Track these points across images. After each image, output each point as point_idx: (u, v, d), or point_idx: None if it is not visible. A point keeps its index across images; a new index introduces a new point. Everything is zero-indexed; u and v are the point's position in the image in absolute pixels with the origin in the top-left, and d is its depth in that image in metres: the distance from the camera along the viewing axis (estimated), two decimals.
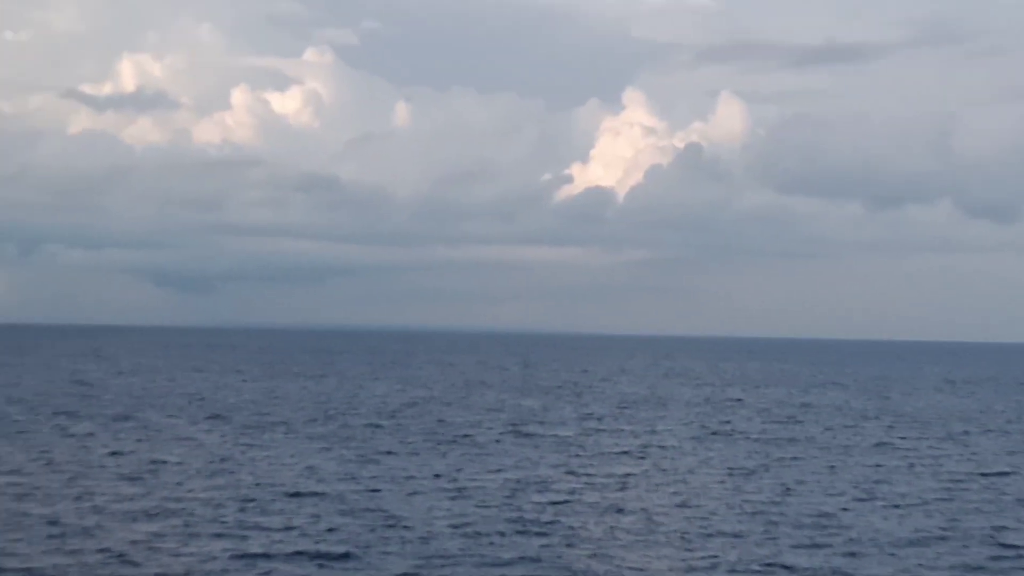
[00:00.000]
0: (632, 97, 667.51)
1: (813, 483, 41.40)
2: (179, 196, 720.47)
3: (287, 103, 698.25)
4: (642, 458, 48.23)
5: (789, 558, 28.42)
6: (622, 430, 60.58)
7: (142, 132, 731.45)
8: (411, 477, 40.78)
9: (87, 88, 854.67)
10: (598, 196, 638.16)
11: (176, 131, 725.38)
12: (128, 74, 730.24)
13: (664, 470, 44.42)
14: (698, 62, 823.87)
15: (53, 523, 30.73)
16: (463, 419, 65.18)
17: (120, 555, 26.95)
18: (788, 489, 39.63)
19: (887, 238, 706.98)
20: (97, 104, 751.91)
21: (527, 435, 56.73)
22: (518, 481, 40.34)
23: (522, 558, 27.71)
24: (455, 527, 31.43)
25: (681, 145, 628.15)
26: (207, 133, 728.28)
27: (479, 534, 30.45)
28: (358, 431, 56.74)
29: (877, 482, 42.11)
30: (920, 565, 28.22)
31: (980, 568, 28.23)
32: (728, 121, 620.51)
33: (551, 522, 32.54)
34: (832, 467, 46.23)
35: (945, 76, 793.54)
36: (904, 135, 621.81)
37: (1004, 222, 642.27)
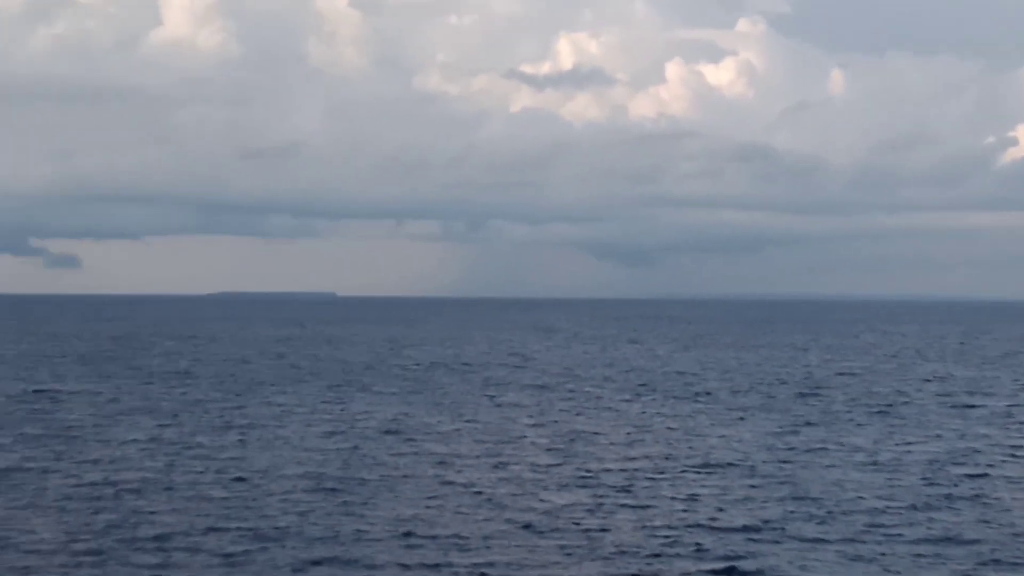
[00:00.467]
0: None
1: None
2: (617, 170, 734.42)
3: (721, 74, 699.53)
4: None
5: None
6: None
7: (580, 108, 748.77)
8: (827, 448, 39.96)
9: (527, 68, 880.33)
10: None
11: (613, 106, 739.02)
12: (566, 52, 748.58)
13: None
14: None
15: (467, 490, 31.78)
16: (891, 389, 63.39)
17: (526, 526, 27.51)
18: None
19: None
20: (537, 83, 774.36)
21: (957, 407, 54.60)
22: (939, 454, 38.86)
23: (926, 539, 26.57)
24: (862, 499, 30.57)
25: None
26: (643, 107, 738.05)
27: (886, 510, 29.47)
28: (781, 402, 56.09)
29: None
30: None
31: None
32: None
33: (967, 497, 31.18)
34: None
35: None
36: None
37: None
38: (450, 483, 32.84)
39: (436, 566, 23.86)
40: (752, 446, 40.50)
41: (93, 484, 32.06)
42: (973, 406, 54.68)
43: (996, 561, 24.56)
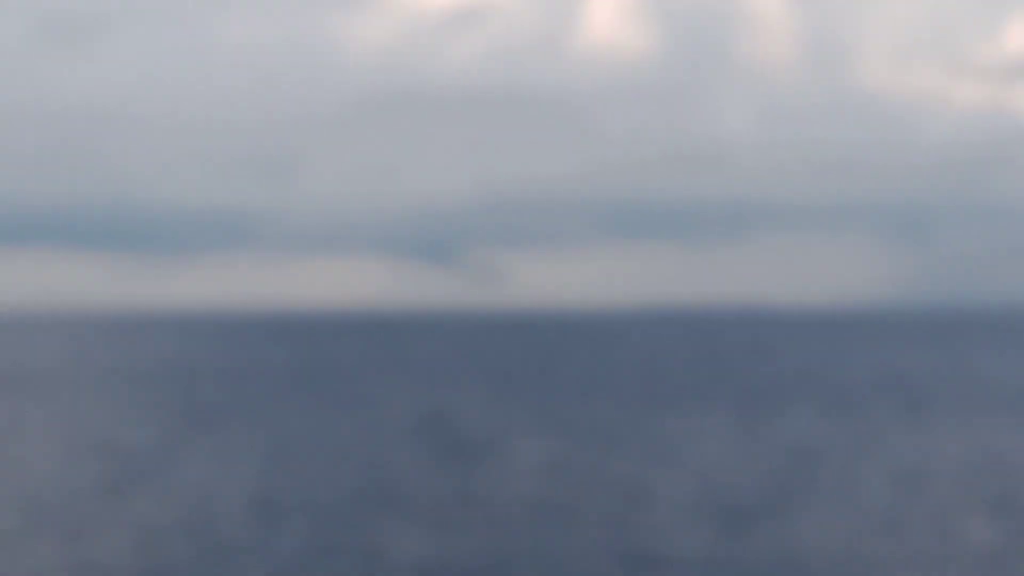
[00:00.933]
0: None
1: None
2: None
3: None
4: None
5: None
6: None
7: None
8: None
9: (973, 58, 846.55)
10: None
11: None
12: (1017, 40, 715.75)
13: None
14: None
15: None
16: None
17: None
18: None
19: None
20: (984, 74, 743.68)
21: None
22: None
23: None
24: None
25: None
26: None
27: None
28: None
29: None
30: None
31: None
32: None
33: None
34: None
35: None
36: None
37: None
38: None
39: None
40: None
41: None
42: None
43: None
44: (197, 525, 28.06)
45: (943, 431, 47.75)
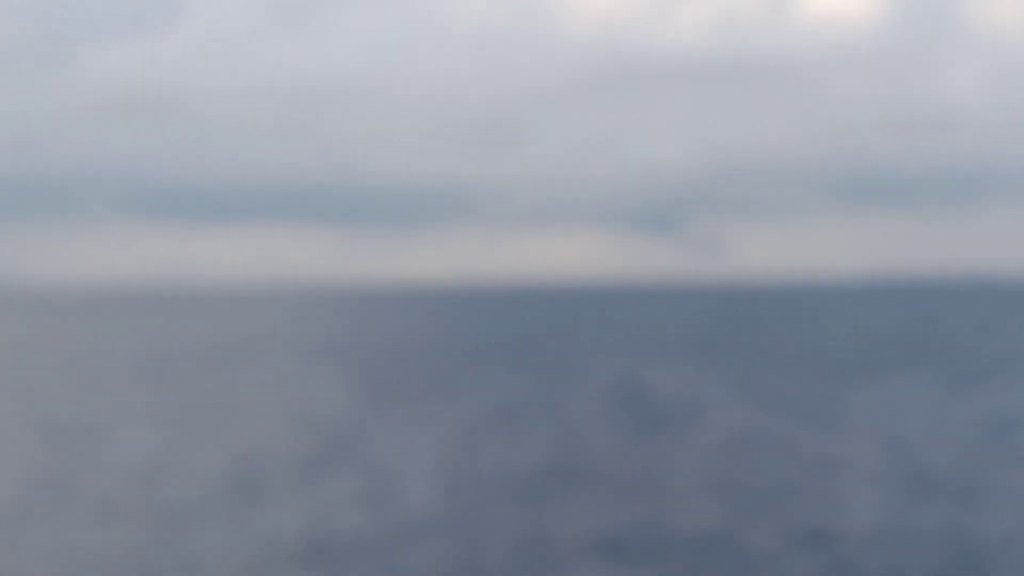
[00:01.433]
0: None
1: None
2: None
3: None
4: None
5: None
6: None
7: None
8: None
9: None
10: None
11: None
12: None
13: None
14: None
15: None
16: None
17: None
18: None
19: None
20: None
21: None
22: None
23: None
24: None
25: None
26: None
27: None
28: None
29: None
30: None
31: None
32: None
33: None
34: None
35: None
36: None
37: None
38: None
39: None
40: None
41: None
42: None
43: None
44: (379, 498, 28.41)
45: None
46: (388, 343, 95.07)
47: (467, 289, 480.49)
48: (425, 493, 28.79)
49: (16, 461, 34.51)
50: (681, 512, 26.49)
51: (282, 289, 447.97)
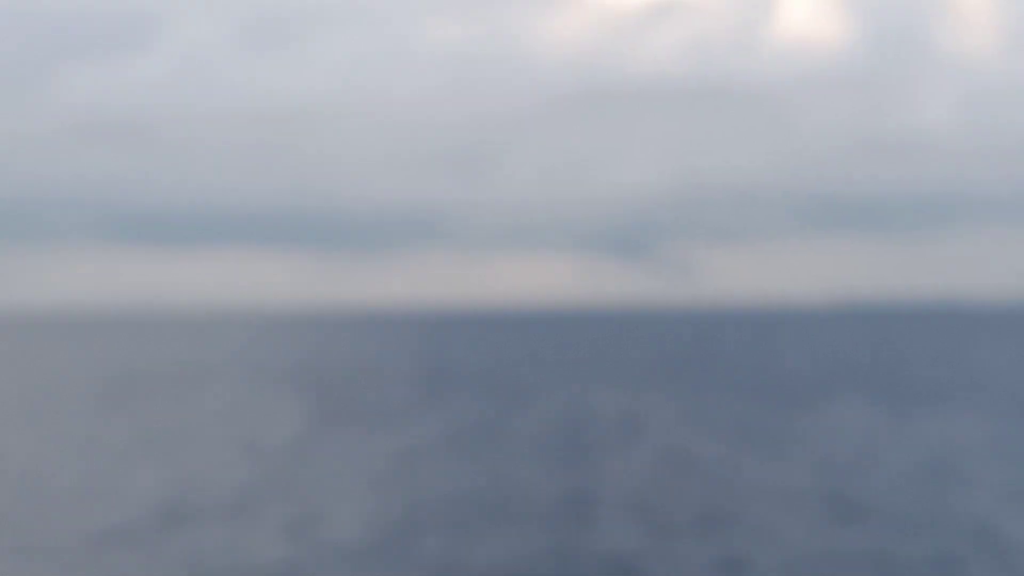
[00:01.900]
0: None
1: None
2: None
3: None
4: None
5: None
6: None
7: None
8: None
9: None
10: None
11: None
12: None
13: None
14: None
15: None
16: None
17: None
18: None
19: None
20: None
21: None
22: None
23: None
24: None
25: None
26: None
27: None
28: None
29: None
30: None
31: None
32: None
33: None
34: None
35: None
36: None
37: None
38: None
39: None
40: None
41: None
42: None
43: None
44: (306, 526, 28.65)
45: None
46: (350, 367, 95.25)
47: (437, 313, 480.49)
48: (353, 521, 29.03)
49: None
50: (598, 538, 26.81)
51: (253, 314, 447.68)
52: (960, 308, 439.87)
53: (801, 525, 27.81)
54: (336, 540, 26.76)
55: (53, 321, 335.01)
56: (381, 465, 38.42)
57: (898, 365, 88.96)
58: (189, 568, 24.19)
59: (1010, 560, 24.27)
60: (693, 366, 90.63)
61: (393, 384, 75.18)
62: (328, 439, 45.96)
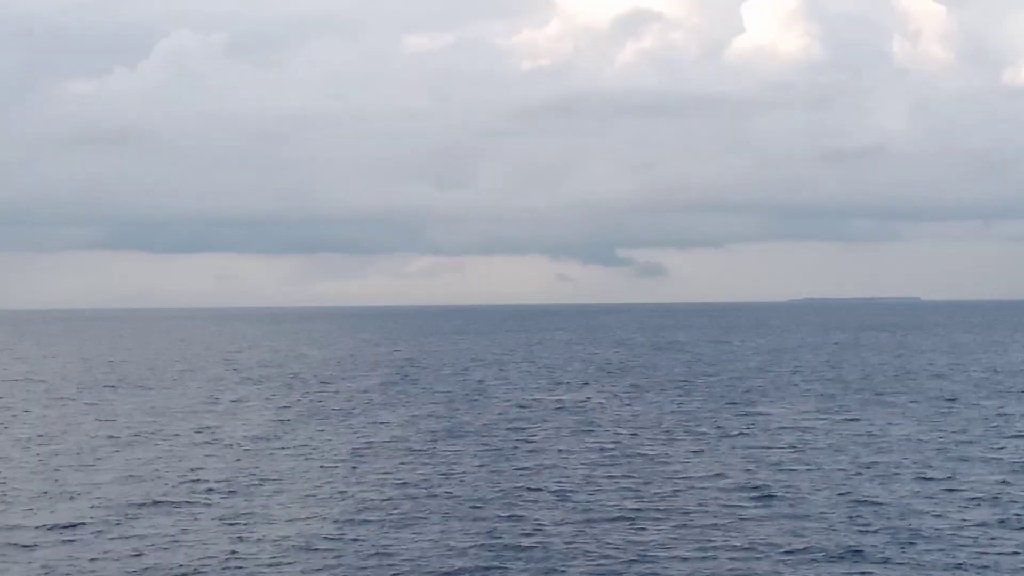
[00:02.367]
0: None
1: None
2: None
3: None
4: None
5: None
6: None
7: None
8: None
9: None
10: None
11: None
12: None
13: None
14: None
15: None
16: None
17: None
18: None
19: None
20: None
21: None
22: None
23: None
24: None
25: None
26: None
27: None
28: None
29: None
30: None
31: None
32: None
33: None
34: None
35: None
36: None
37: None
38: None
39: None
40: None
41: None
42: None
43: None
44: (251, 520, 30.16)
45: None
46: (325, 364, 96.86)
47: (415, 312, 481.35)
48: (297, 515, 30.53)
49: None
50: (524, 527, 28.56)
51: (239, 315, 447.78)
52: (913, 306, 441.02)
53: (718, 517, 29.47)
54: (272, 535, 28.25)
55: (43, 323, 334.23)
56: (335, 460, 39.93)
57: (845, 363, 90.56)
58: (129, 561, 25.73)
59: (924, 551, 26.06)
60: (648, 364, 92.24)
61: (363, 380, 76.70)
62: (290, 434, 47.34)
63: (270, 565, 25.35)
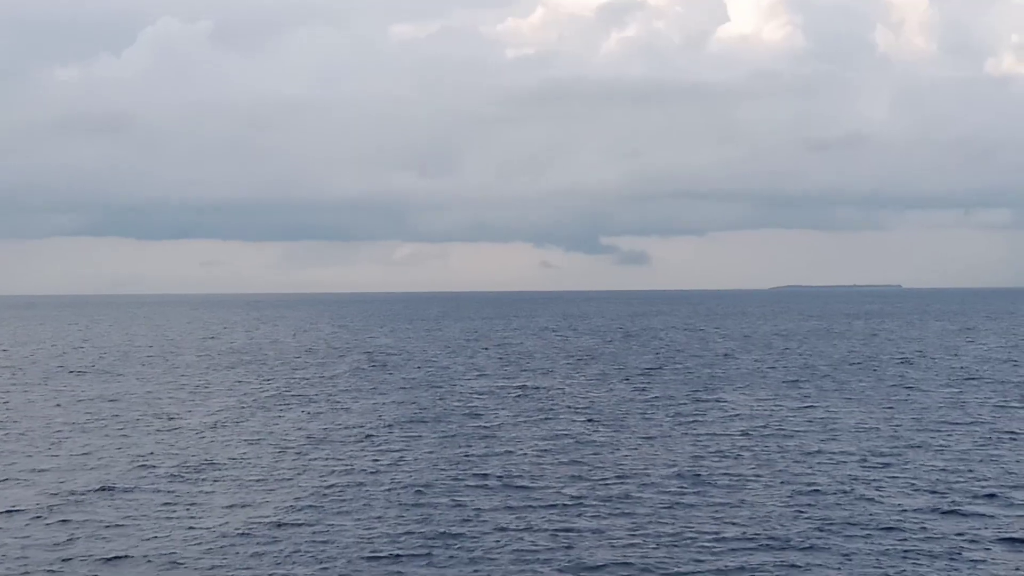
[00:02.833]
0: None
1: None
2: None
3: None
4: None
5: None
6: None
7: None
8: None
9: None
10: None
11: None
12: None
13: None
14: None
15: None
16: None
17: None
18: None
19: None
20: None
21: None
22: None
23: None
24: None
25: None
26: None
27: None
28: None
29: None
30: None
31: None
32: None
33: None
34: None
35: None
36: None
37: None
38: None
39: None
40: None
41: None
42: None
43: None
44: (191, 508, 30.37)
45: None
46: (302, 350, 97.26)
47: (398, 299, 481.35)
48: (240, 502, 30.74)
49: None
50: (468, 514, 28.83)
51: (222, 301, 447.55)
52: (895, 293, 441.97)
53: (655, 504, 29.73)
54: (210, 521, 28.48)
55: (27, 308, 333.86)
56: (288, 446, 40.14)
57: (814, 351, 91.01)
58: (58, 549, 25.96)
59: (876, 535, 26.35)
60: (619, 351, 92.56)
61: (332, 367, 76.97)
62: (249, 421, 47.60)
63: (204, 551, 25.51)
